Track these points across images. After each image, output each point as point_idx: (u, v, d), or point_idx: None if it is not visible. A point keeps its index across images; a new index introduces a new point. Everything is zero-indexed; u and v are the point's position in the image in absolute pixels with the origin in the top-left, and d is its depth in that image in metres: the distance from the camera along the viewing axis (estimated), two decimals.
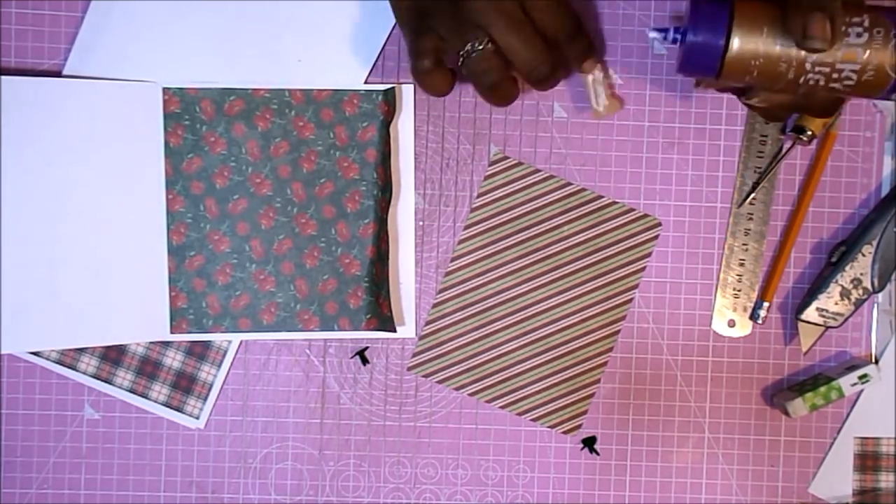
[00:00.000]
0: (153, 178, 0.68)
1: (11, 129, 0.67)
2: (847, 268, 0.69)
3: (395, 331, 0.70)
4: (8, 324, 0.68)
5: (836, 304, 0.70)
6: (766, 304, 0.71)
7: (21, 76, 0.67)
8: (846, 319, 0.70)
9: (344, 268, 0.69)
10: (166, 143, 0.68)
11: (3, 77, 0.67)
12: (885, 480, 0.71)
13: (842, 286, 0.69)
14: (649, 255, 0.71)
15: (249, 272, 0.69)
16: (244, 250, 0.69)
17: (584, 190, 0.71)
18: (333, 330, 0.69)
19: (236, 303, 0.69)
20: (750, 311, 0.71)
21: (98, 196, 0.68)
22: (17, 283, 0.67)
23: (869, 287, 0.69)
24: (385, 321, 0.69)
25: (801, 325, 0.70)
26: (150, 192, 0.68)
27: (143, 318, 0.69)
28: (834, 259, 0.70)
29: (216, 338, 0.69)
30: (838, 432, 0.71)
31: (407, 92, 0.70)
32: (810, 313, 0.70)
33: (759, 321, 0.71)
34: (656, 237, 0.71)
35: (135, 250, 0.68)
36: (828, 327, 0.70)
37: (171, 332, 0.69)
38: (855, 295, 0.70)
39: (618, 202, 0.71)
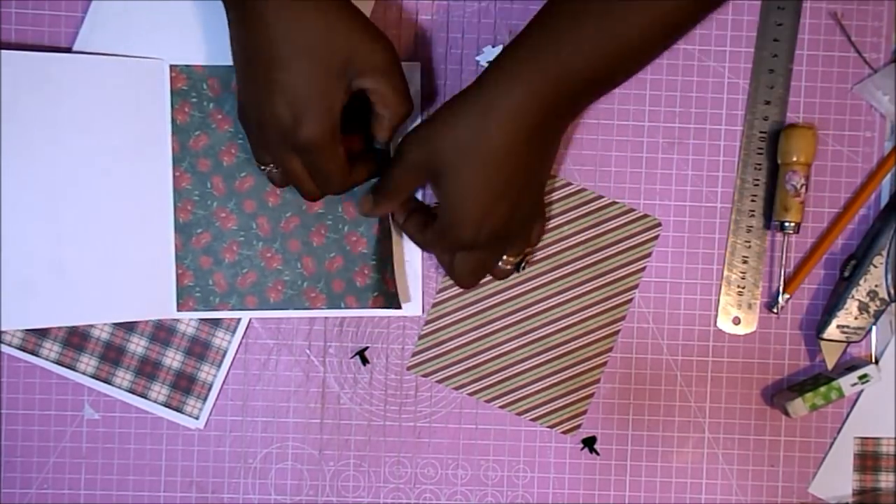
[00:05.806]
0: (160, 156, 0.68)
1: (19, 104, 0.66)
2: (861, 281, 0.69)
3: (399, 307, 0.69)
4: (14, 300, 0.67)
5: (856, 318, 0.69)
6: (785, 296, 0.70)
7: (28, 51, 0.67)
8: (868, 333, 0.70)
9: (351, 246, 0.69)
10: (173, 121, 0.68)
11: (11, 52, 0.66)
12: (885, 480, 0.71)
13: (858, 300, 0.69)
14: (649, 255, 0.71)
15: (256, 250, 0.69)
16: (251, 228, 0.69)
17: (584, 190, 0.70)
18: (340, 308, 0.69)
19: (243, 281, 0.69)
20: (755, 307, 0.71)
21: (105, 173, 0.68)
22: (23, 261, 0.67)
23: (886, 297, 0.69)
24: (390, 298, 0.69)
25: (823, 343, 0.70)
26: (157, 170, 0.68)
27: (150, 296, 0.69)
28: (846, 274, 0.70)
29: (223, 315, 0.69)
30: (838, 432, 0.71)
31: (413, 77, 0.69)
32: (832, 331, 0.69)
33: (776, 311, 0.70)
34: (656, 237, 0.71)
35: (142, 228, 0.68)
36: (850, 342, 0.70)
37: (178, 310, 0.69)
38: (873, 307, 0.69)
39: (618, 202, 0.71)
